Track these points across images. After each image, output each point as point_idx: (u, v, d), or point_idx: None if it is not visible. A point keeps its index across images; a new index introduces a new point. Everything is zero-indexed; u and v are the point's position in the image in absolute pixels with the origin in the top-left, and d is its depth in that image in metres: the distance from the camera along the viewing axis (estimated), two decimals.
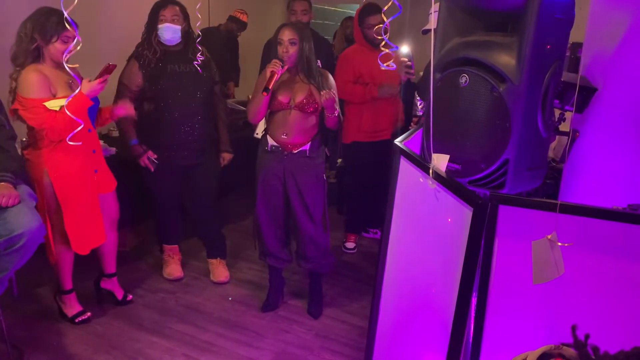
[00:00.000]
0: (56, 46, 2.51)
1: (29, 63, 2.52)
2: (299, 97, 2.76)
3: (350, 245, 4.01)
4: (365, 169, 3.78)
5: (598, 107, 2.38)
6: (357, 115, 3.66)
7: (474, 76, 1.62)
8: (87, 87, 2.51)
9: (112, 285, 3.08)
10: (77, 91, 2.50)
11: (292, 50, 2.73)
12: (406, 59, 3.45)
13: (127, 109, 2.83)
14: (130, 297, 3.12)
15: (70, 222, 2.69)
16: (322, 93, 2.68)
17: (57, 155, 2.61)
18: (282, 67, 2.70)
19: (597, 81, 2.36)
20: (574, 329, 0.91)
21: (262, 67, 3.79)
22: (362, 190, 3.90)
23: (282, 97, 2.77)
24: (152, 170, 3.15)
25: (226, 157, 3.40)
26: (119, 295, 3.08)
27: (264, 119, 2.95)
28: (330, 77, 2.90)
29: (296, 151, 2.83)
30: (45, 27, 2.48)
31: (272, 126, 2.86)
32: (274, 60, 2.71)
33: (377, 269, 2.14)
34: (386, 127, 3.73)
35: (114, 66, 2.61)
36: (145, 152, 3.13)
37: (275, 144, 2.85)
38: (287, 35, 2.73)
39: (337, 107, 2.77)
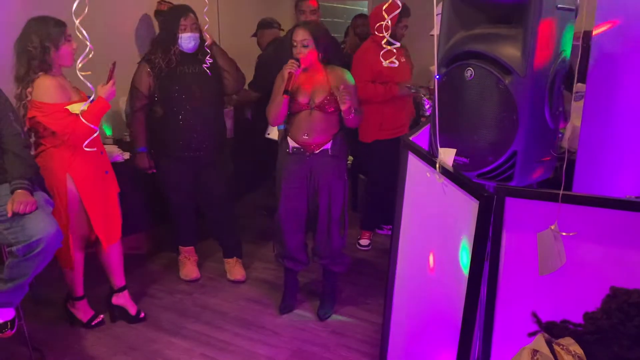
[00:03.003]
0: (66, 48, 2.56)
1: (37, 75, 2.53)
2: (319, 98, 2.74)
3: (364, 242, 4.02)
4: (388, 166, 3.79)
5: (612, 96, 2.35)
6: (378, 114, 3.66)
7: (479, 69, 1.63)
8: (104, 91, 2.59)
9: (124, 300, 3.00)
10: (94, 96, 2.49)
11: (306, 51, 2.71)
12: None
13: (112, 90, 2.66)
14: (142, 314, 3.01)
15: (97, 222, 2.74)
16: (340, 90, 2.64)
17: (77, 159, 2.65)
18: (299, 66, 2.69)
19: (608, 69, 2.34)
20: (534, 314, 0.96)
21: (273, 66, 3.80)
22: (381, 188, 3.90)
23: (301, 99, 2.76)
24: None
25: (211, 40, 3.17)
26: (132, 310, 3.00)
27: None
28: (348, 75, 2.85)
29: (318, 151, 2.82)
30: (51, 33, 2.53)
31: (293, 128, 2.84)
32: (291, 61, 2.69)
33: (389, 265, 2.15)
34: (405, 122, 3.77)
35: (114, 63, 2.66)
36: (150, 169, 3.27)
37: (296, 145, 2.83)
38: (300, 36, 2.71)
39: (353, 107, 2.73)
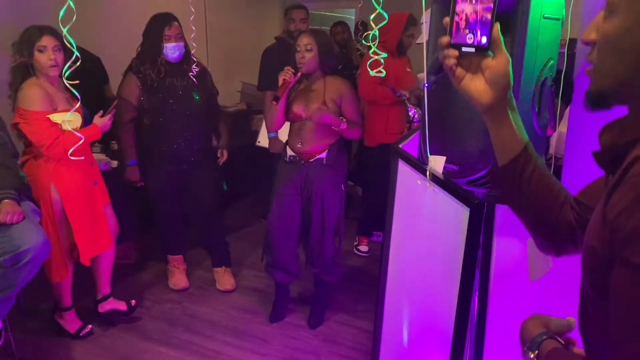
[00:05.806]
0: (37, 58, 2.54)
1: (25, 80, 2.55)
2: (313, 108, 2.74)
3: (363, 248, 4.02)
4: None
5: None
6: (384, 117, 3.66)
7: None
8: (100, 122, 2.72)
9: (111, 304, 3.01)
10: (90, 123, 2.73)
11: (309, 56, 2.70)
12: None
13: (108, 123, 2.78)
14: (134, 302, 3.03)
15: (79, 233, 2.71)
16: (313, 110, 2.68)
17: (61, 169, 2.63)
18: (295, 75, 2.68)
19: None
20: None
21: (262, 74, 3.80)
22: (382, 194, 3.88)
23: (296, 108, 2.77)
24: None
25: (225, 153, 3.45)
26: (123, 307, 3.01)
27: (264, 127, 2.97)
28: (347, 86, 2.85)
29: (312, 160, 2.82)
30: (23, 41, 2.54)
31: (290, 136, 2.87)
32: (287, 68, 2.69)
33: (380, 272, 2.15)
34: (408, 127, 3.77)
35: (117, 103, 2.92)
36: (139, 182, 3.25)
37: (293, 154, 2.85)
38: (304, 41, 2.72)
39: (343, 120, 2.73)
